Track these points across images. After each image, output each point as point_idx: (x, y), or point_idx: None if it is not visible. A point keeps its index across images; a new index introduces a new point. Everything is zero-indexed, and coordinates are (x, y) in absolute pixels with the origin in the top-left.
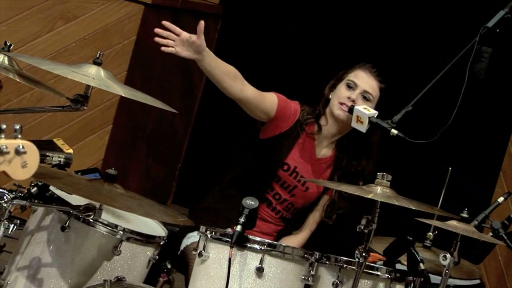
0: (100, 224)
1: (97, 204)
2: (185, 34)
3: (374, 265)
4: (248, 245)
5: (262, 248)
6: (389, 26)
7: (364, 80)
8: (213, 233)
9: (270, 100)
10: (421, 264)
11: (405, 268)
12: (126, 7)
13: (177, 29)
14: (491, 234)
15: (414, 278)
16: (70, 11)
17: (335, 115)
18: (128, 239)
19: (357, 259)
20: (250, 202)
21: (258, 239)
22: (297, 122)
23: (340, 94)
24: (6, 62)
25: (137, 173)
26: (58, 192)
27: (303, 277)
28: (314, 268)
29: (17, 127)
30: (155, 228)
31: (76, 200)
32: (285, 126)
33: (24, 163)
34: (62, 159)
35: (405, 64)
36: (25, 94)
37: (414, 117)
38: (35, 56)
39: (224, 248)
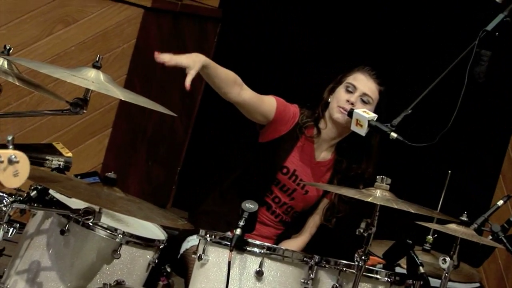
0: (99, 227)
1: (96, 208)
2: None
3: (374, 268)
4: (248, 248)
5: (262, 251)
6: (389, 29)
7: (363, 83)
8: (213, 236)
9: (269, 104)
10: (420, 268)
11: (404, 271)
12: (126, 11)
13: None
14: (490, 237)
15: (414, 282)
16: (70, 14)
17: (334, 118)
18: (127, 243)
19: (356, 263)
20: (249, 206)
21: (257, 242)
22: (296, 125)
23: (339, 97)
24: (6, 65)
25: (136, 176)
26: (58, 196)
27: (303, 281)
28: (314, 272)
29: (9, 138)
30: (154, 231)
31: (75, 203)
32: (284, 129)
33: (16, 172)
34: (61, 163)
35: (404, 67)
36: (25, 97)
37: (414, 120)
38: (34, 60)
39: (223, 251)
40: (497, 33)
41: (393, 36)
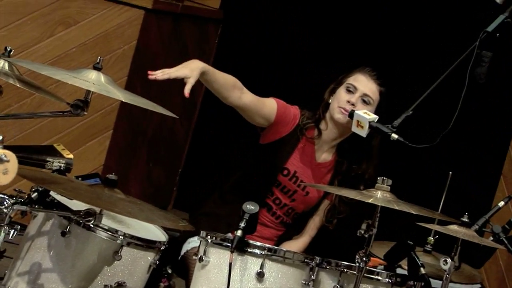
0: (100, 229)
1: (97, 209)
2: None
3: (375, 269)
4: (249, 250)
5: (263, 253)
6: (390, 29)
7: (364, 83)
8: (214, 238)
9: (269, 106)
10: (421, 269)
11: (405, 272)
12: (127, 12)
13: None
14: (491, 238)
15: (415, 283)
16: (71, 16)
17: (335, 119)
18: (128, 244)
19: (357, 264)
20: (250, 207)
21: (258, 244)
22: (297, 127)
23: (340, 98)
24: (7, 67)
25: (137, 178)
26: (59, 198)
27: (304, 282)
28: (315, 273)
29: (0, 138)
30: (155, 233)
31: (76, 205)
32: (285, 131)
33: (6, 170)
34: (62, 165)
35: (405, 68)
36: (26, 99)
37: (415, 121)
38: (35, 62)
39: (224, 253)
40: (497, 34)
41: (394, 36)
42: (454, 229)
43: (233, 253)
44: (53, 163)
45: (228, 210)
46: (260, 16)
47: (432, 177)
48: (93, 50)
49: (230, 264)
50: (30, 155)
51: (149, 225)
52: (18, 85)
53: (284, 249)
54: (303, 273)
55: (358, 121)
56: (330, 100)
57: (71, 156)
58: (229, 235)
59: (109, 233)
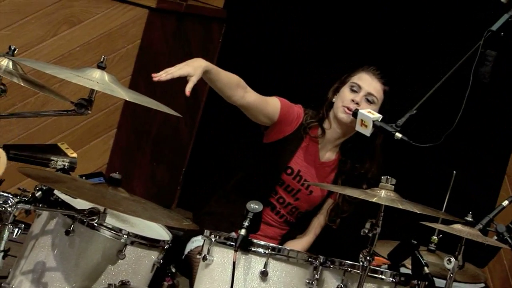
0: (104, 228)
1: (101, 208)
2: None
3: (379, 268)
4: (253, 249)
5: (267, 252)
6: (394, 29)
7: (368, 82)
8: (217, 237)
9: (272, 105)
10: (425, 268)
11: (409, 271)
12: (131, 11)
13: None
14: (495, 237)
15: (419, 282)
16: (75, 15)
17: (339, 118)
18: (132, 243)
19: (361, 263)
20: (254, 206)
21: (262, 243)
22: (301, 126)
23: (344, 97)
24: (11, 66)
25: (141, 177)
26: (63, 196)
27: (308, 281)
28: (319, 272)
29: None
30: (159, 232)
31: (80, 204)
32: (288, 130)
33: None
34: (66, 163)
35: (409, 67)
36: (30, 98)
37: (419, 121)
38: (39, 61)
39: (228, 252)
40: (502, 33)
41: (398, 36)
42: (458, 229)
43: (237, 252)
44: (57, 162)
45: (231, 209)
46: (264, 15)
47: (436, 176)
48: (97, 49)
49: (234, 263)
50: (34, 154)
51: (153, 224)
52: (22, 84)
53: (288, 248)
54: (307, 272)
55: (362, 120)
56: (334, 99)
57: (75, 155)
58: (233, 234)
59: (113, 232)
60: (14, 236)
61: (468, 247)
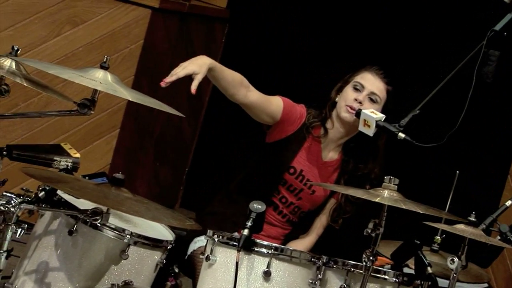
0: (107, 228)
1: (104, 208)
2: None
3: (382, 269)
4: (255, 249)
5: (269, 252)
6: (396, 28)
7: (371, 82)
8: (220, 237)
9: (275, 104)
10: (428, 268)
11: (412, 271)
12: (133, 12)
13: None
14: (499, 237)
15: (422, 282)
16: (78, 15)
17: (342, 117)
18: (135, 243)
19: (364, 263)
20: (257, 206)
21: (265, 243)
22: (303, 125)
23: (347, 97)
24: (14, 66)
25: (144, 177)
26: (66, 197)
27: (311, 281)
28: (322, 272)
29: None
30: (162, 232)
31: (83, 204)
32: (291, 129)
33: None
34: (69, 164)
35: (412, 67)
36: (33, 98)
37: (422, 121)
38: (42, 61)
39: (231, 252)
40: (505, 33)
41: (400, 35)
42: (461, 229)
43: (240, 252)
44: (60, 162)
45: (234, 209)
46: (267, 15)
47: (439, 176)
48: (100, 49)
49: (237, 263)
50: (37, 154)
51: (156, 224)
52: (25, 84)
53: (291, 248)
54: (310, 272)
55: (365, 120)
56: (337, 99)
57: (78, 155)
58: (236, 234)
59: (116, 232)
60: (17, 236)
61: (471, 247)
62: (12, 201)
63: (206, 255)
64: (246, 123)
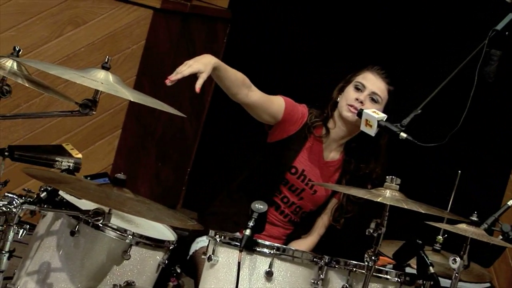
0: (109, 228)
1: (106, 209)
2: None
3: (384, 268)
4: (257, 249)
5: (271, 252)
6: (397, 28)
7: (373, 82)
8: (222, 237)
9: (277, 104)
10: (430, 268)
11: (414, 271)
12: (135, 12)
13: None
14: (501, 237)
15: (424, 282)
16: (79, 16)
17: (344, 117)
18: (137, 244)
19: (366, 263)
20: (259, 206)
21: (267, 243)
22: (305, 125)
23: (349, 96)
24: (15, 67)
25: (146, 177)
26: (68, 197)
27: (313, 281)
28: (324, 272)
29: None
30: (164, 232)
31: (85, 204)
32: (292, 129)
33: None
34: (71, 164)
35: (413, 67)
36: (35, 99)
37: (423, 121)
38: (44, 61)
39: (233, 252)
40: (507, 33)
41: (402, 35)
42: (463, 228)
43: (242, 252)
44: (62, 162)
45: (236, 209)
46: (268, 15)
47: (441, 176)
48: (102, 49)
49: (239, 263)
50: (39, 155)
51: (158, 224)
52: (27, 85)
53: (293, 248)
54: (312, 272)
55: (366, 120)
56: (338, 99)
57: (80, 155)
58: (238, 234)
59: (118, 232)
60: (19, 237)
61: (473, 246)
62: (14, 202)
63: (208, 255)
64: (248, 123)
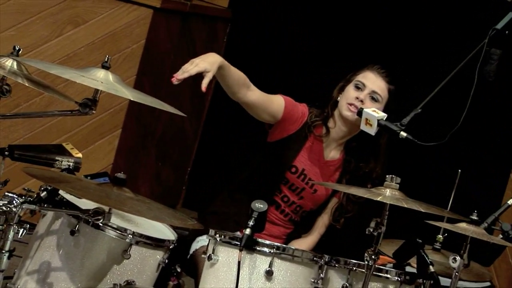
0: (109, 228)
1: (106, 208)
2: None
3: (384, 267)
4: (258, 248)
5: (272, 251)
6: (398, 28)
7: (373, 80)
8: (222, 236)
9: (276, 103)
10: (430, 267)
11: (414, 270)
12: (135, 11)
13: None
14: (501, 236)
15: (424, 281)
16: (79, 15)
17: (344, 116)
18: (137, 243)
19: (366, 262)
20: (259, 205)
21: (267, 242)
22: (305, 125)
23: (349, 95)
24: (15, 66)
25: (147, 177)
26: (68, 196)
27: (313, 280)
28: (324, 271)
29: None
30: (164, 232)
31: (85, 204)
32: (292, 128)
33: None
34: (71, 164)
35: (413, 66)
36: (35, 98)
37: (423, 120)
38: (44, 61)
39: (233, 251)
40: (507, 32)
41: (402, 35)
42: (463, 227)
43: (242, 252)
44: (62, 162)
45: (236, 208)
46: (269, 15)
47: (441, 175)
48: (102, 49)
49: (239, 262)
50: (39, 154)
51: (158, 224)
52: (27, 85)
53: (293, 247)
54: (312, 272)
55: (366, 119)
56: (338, 98)
57: (80, 155)
58: (238, 233)
59: (118, 232)
60: (19, 236)
61: (473, 245)
62: (14, 201)
63: (208, 255)
64: (248, 122)
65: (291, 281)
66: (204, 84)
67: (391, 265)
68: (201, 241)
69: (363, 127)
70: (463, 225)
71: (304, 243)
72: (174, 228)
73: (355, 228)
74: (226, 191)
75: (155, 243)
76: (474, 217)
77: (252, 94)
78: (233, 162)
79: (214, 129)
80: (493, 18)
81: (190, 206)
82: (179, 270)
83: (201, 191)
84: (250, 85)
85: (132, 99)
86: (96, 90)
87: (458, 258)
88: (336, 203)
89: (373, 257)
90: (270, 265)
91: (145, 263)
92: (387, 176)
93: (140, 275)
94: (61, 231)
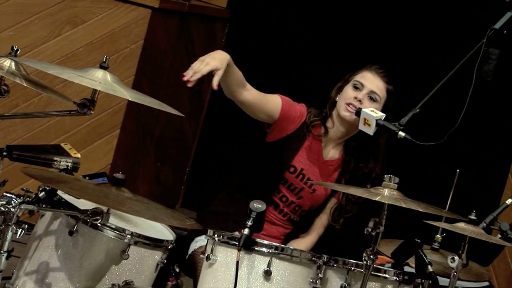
0: (108, 228)
1: (104, 209)
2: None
3: (382, 267)
4: (256, 248)
5: (270, 251)
6: (396, 28)
7: (371, 80)
8: (221, 236)
9: (273, 103)
10: (429, 267)
11: (413, 270)
12: (134, 12)
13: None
14: (499, 236)
15: (422, 281)
16: (78, 15)
17: (342, 116)
18: (136, 243)
19: (365, 262)
20: (257, 205)
21: (266, 242)
22: (304, 124)
23: (347, 95)
24: (14, 67)
25: (145, 177)
26: (66, 197)
27: (311, 280)
28: (322, 271)
29: None
30: (163, 232)
31: (83, 204)
32: (291, 128)
33: None
34: (69, 164)
35: (411, 66)
36: (33, 99)
37: (422, 119)
38: (42, 61)
39: (231, 251)
40: (505, 31)
41: (400, 35)
42: (461, 227)
43: (240, 252)
44: (60, 162)
45: (235, 208)
46: (267, 15)
47: (439, 175)
48: (100, 49)
49: (238, 262)
50: (38, 155)
51: (156, 224)
52: (25, 85)
53: (291, 247)
54: (311, 271)
55: (365, 119)
56: (337, 98)
57: (78, 155)
58: (236, 233)
59: (116, 232)
60: (17, 237)
61: (472, 245)
62: (12, 202)
63: (206, 255)
64: (246, 122)
65: (289, 281)
66: (215, 82)
67: (390, 265)
68: (200, 241)
69: (362, 127)
70: (461, 225)
71: (303, 243)
72: (173, 228)
73: (354, 228)
74: (225, 191)
75: (154, 243)
76: (473, 217)
77: (249, 94)
78: (231, 162)
79: (213, 129)
80: (492, 18)
81: (189, 206)
82: (177, 270)
83: (200, 191)
84: (246, 84)
85: (130, 100)
86: (95, 90)
87: (456, 258)
88: (335, 203)
89: (371, 257)
90: (269, 265)
91: (144, 263)
92: (385, 176)
93: (139, 275)
94: (59, 231)
